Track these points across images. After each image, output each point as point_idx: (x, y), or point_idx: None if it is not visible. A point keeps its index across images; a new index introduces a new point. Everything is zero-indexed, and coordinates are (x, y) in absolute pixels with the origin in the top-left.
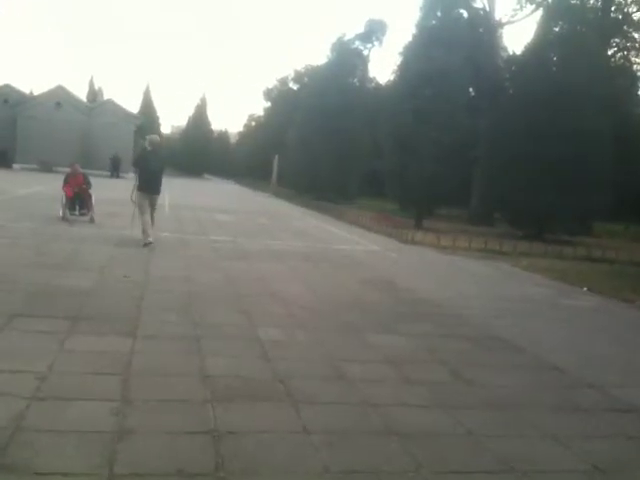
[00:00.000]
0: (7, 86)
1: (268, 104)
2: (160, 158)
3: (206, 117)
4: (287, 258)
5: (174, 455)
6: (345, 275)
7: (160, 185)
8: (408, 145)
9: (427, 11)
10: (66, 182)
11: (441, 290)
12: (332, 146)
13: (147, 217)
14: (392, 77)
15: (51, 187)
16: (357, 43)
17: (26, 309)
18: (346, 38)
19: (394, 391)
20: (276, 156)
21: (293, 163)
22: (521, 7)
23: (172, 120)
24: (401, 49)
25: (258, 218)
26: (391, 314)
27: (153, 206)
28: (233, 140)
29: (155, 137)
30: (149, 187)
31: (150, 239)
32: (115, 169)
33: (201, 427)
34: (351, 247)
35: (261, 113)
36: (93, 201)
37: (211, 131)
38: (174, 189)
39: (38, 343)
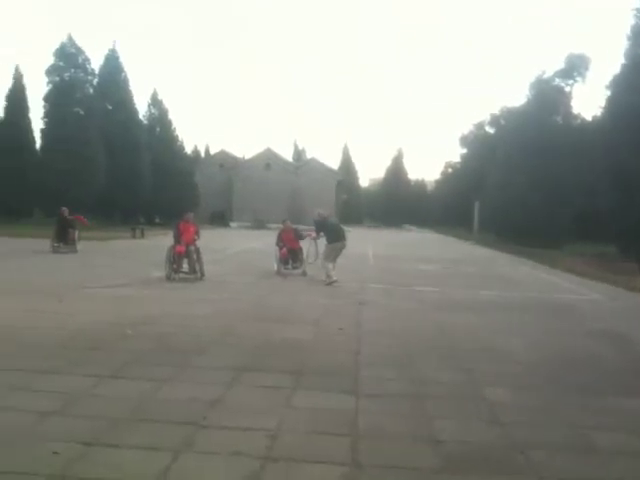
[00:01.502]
0: (222, 152)
1: (464, 150)
2: (333, 220)
3: (403, 167)
4: (500, 309)
5: None
6: (569, 328)
7: (344, 233)
8: (630, 182)
9: (637, 38)
10: (279, 239)
11: None
12: (536, 186)
13: (330, 265)
14: (599, 112)
15: (264, 243)
16: (557, 80)
17: (252, 363)
18: (545, 76)
19: None
20: (476, 202)
21: (494, 208)
22: None
23: (370, 173)
24: (607, 82)
25: (463, 267)
26: (632, 373)
27: (339, 253)
28: (430, 188)
29: (321, 211)
30: (337, 237)
31: (335, 278)
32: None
33: None
34: (571, 296)
35: (458, 159)
36: (304, 254)
37: (408, 181)
38: (376, 241)
39: (265, 399)
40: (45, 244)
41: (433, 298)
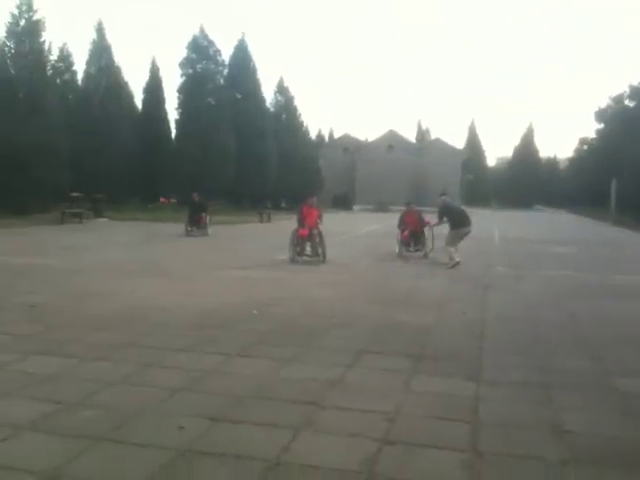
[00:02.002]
0: (346, 135)
1: (601, 126)
2: (456, 204)
3: (533, 145)
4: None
5: None
6: None
7: (469, 218)
8: None
9: None
10: (402, 222)
11: None
12: None
13: (453, 249)
14: None
15: (385, 225)
16: None
17: (372, 345)
18: None
19: None
20: (614, 181)
21: (635, 187)
22: None
23: (497, 152)
24: None
25: (598, 249)
26: None
27: (463, 237)
28: (562, 166)
29: (444, 197)
30: (462, 223)
31: (458, 260)
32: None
33: None
34: None
35: (593, 135)
36: (425, 238)
37: (539, 160)
38: (503, 222)
39: (385, 381)
40: (179, 228)
41: (565, 283)
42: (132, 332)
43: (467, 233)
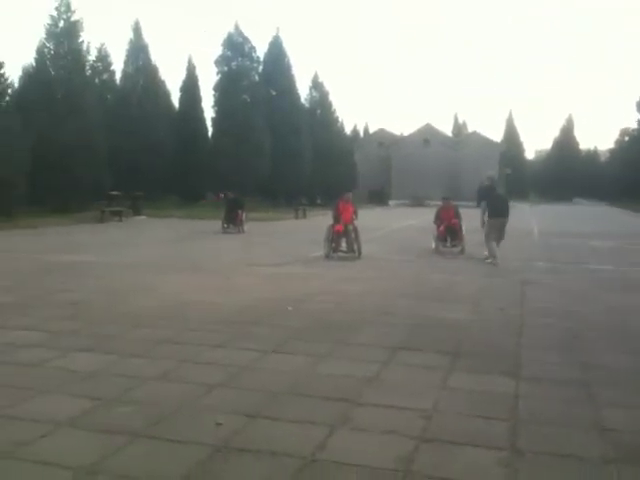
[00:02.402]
0: (381, 130)
1: None
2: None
3: (573, 138)
4: None
5: None
6: None
7: (508, 209)
8: None
9: None
10: (437, 217)
11: None
12: None
13: (493, 243)
14: None
15: (422, 220)
16: None
17: (408, 342)
18: None
19: None
20: None
21: None
22: None
23: (536, 145)
24: None
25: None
26: None
27: (502, 229)
28: (603, 158)
29: (492, 173)
30: (499, 212)
31: (497, 260)
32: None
33: None
34: None
35: (634, 126)
36: (464, 232)
37: (579, 152)
38: (541, 216)
39: (421, 378)
40: (216, 225)
41: (607, 277)
42: (169, 328)
43: (504, 224)
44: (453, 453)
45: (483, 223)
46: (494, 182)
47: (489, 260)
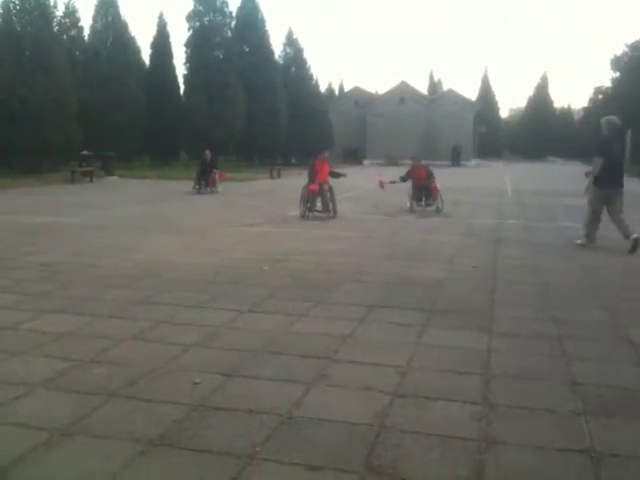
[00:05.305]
0: (356, 88)
1: (616, 74)
2: (622, 144)
3: (547, 96)
4: None
5: (547, 475)
6: None
7: (622, 178)
8: None
9: None
10: (408, 175)
11: None
12: None
13: (595, 225)
14: None
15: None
16: None
17: (383, 300)
18: None
19: None
20: (628, 131)
21: None
22: None
23: (510, 103)
24: None
25: None
26: None
27: (614, 204)
28: (577, 117)
29: (612, 118)
30: (611, 181)
31: (593, 243)
32: (455, 158)
33: (574, 444)
34: None
35: (608, 84)
36: (440, 191)
37: (553, 110)
38: (517, 174)
39: (396, 335)
40: (189, 185)
41: (577, 235)
42: (144, 289)
43: (614, 199)
44: (428, 407)
45: (589, 188)
46: (616, 131)
47: (579, 241)
